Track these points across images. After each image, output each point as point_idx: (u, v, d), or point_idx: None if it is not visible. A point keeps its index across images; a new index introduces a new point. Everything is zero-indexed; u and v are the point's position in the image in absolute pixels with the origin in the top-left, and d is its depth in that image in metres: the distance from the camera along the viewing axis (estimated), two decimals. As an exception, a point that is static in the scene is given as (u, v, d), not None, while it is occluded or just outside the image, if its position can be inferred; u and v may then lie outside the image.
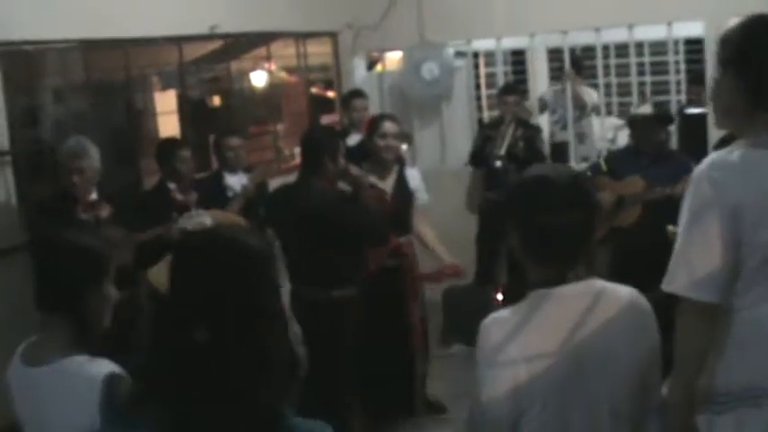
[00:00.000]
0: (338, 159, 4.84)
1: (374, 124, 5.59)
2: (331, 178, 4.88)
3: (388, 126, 5.48)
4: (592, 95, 8.53)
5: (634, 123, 5.90)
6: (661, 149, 5.84)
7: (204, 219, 5.33)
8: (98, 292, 2.46)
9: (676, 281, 2.53)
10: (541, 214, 2.19)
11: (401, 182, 5.57)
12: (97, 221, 5.05)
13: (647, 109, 5.96)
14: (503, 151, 6.73)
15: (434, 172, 7.45)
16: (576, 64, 8.39)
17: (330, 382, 4.94)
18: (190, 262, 1.77)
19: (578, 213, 2.20)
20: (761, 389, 2.52)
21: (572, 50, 8.26)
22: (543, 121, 8.72)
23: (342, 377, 4.98)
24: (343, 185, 4.97)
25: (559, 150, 8.26)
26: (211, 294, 1.70)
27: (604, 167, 5.90)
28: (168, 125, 7.27)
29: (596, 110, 8.28)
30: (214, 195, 5.90)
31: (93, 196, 5.13)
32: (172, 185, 5.64)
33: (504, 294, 5.89)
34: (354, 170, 4.94)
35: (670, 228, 4.02)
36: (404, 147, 5.80)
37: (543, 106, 8.89)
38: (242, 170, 6.20)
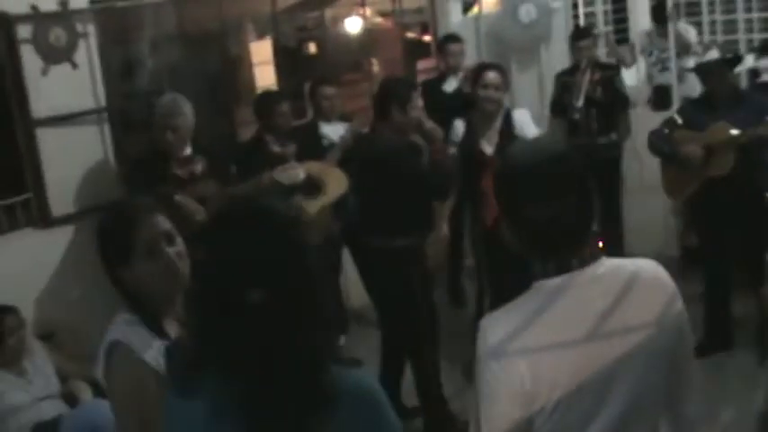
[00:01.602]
0: (408, 110, 4.73)
1: (477, 74, 5.47)
2: (400, 128, 4.75)
3: (491, 76, 5.37)
4: (691, 34, 8.17)
5: (702, 71, 5.64)
6: (734, 93, 5.58)
7: (298, 171, 5.33)
8: (132, 267, 2.38)
9: None
10: (527, 209, 1.92)
11: (507, 132, 5.41)
12: (192, 177, 5.08)
13: (713, 54, 5.73)
14: (580, 102, 6.64)
15: (534, 118, 7.26)
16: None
17: (394, 331, 4.94)
18: (222, 237, 1.81)
19: (570, 198, 1.91)
20: None
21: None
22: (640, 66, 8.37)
23: (406, 326, 4.87)
24: (416, 137, 4.85)
25: (661, 93, 7.95)
26: (255, 262, 1.74)
27: (680, 121, 5.65)
28: (264, 74, 7.27)
29: (697, 48, 7.92)
30: (309, 145, 5.85)
31: (188, 152, 5.15)
32: (270, 138, 5.63)
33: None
34: (429, 123, 4.83)
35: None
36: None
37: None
38: (337, 119, 6.15)
